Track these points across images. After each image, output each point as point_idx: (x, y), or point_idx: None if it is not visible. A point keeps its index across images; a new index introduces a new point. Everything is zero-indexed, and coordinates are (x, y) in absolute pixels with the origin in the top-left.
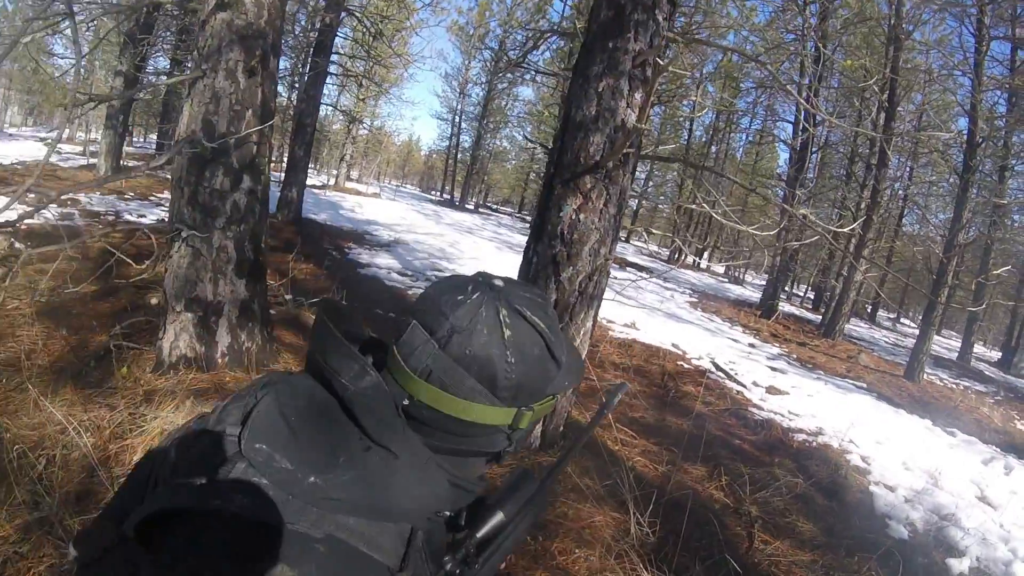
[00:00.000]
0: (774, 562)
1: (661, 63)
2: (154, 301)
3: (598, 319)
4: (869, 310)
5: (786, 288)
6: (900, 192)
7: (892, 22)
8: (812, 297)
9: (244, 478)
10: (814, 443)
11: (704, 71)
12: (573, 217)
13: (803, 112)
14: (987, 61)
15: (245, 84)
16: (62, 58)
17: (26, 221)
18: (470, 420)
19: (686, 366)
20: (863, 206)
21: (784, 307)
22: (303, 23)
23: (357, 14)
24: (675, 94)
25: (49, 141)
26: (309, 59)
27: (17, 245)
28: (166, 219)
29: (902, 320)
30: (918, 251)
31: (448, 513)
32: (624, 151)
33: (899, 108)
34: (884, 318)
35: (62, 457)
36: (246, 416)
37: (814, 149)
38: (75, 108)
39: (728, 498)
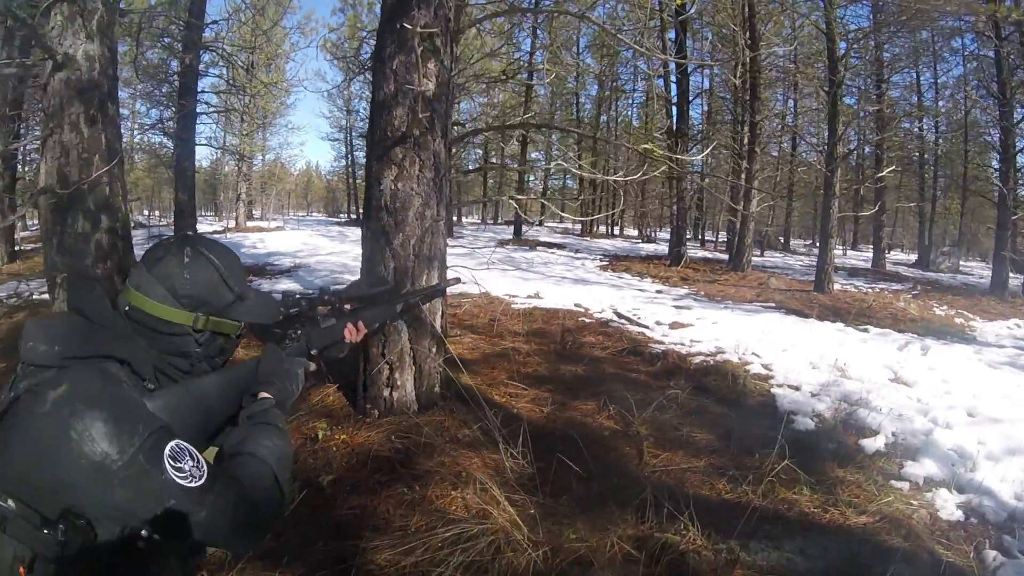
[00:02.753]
0: (665, 471)
1: (428, 31)
2: None
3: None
4: (783, 240)
5: (698, 236)
6: (789, 122)
7: None
8: (725, 240)
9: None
10: (711, 362)
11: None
12: (393, 187)
13: (671, 65)
14: None
15: (88, 133)
16: None
17: None
18: (160, 316)
19: (587, 320)
20: (745, 141)
21: (696, 252)
22: (175, 68)
23: (218, 51)
24: (538, 67)
25: None
26: (176, 103)
27: None
28: None
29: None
30: (802, 169)
31: (150, 386)
32: (423, 116)
33: (764, 48)
34: (800, 246)
35: None
36: None
37: (692, 98)
38: None
39: (618, 424)
